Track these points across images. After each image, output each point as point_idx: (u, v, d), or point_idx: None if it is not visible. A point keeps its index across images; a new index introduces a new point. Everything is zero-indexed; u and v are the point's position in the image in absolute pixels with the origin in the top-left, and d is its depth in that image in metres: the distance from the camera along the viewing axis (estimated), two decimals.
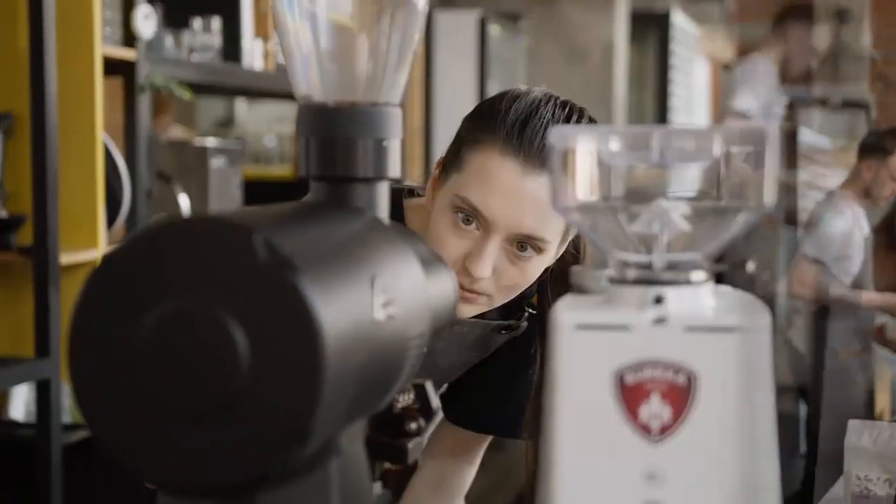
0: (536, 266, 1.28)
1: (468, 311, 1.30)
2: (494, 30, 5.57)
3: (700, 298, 0.71)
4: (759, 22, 9.99)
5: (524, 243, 1.25)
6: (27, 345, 2.37)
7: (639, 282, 0.72)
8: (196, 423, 0.61)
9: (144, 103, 2.69)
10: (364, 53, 0.84)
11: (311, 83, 0.83)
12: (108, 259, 0.64)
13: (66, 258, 2.42)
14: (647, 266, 0.73)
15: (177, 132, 4.05)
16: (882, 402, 4.59)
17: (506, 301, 1.31)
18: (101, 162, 2.50)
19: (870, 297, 4.49)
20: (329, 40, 0.82)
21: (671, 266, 0.72)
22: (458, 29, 5.32)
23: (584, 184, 0.73)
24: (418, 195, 1.42)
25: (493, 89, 5.71)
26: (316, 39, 0.82)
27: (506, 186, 1.22)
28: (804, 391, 4.37)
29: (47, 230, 2.33)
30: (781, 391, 4.18)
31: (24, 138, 2.42)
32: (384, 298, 0.71)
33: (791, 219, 4.99)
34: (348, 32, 0.83)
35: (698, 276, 0.72)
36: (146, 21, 2.65)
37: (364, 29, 0.83)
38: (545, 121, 1.24)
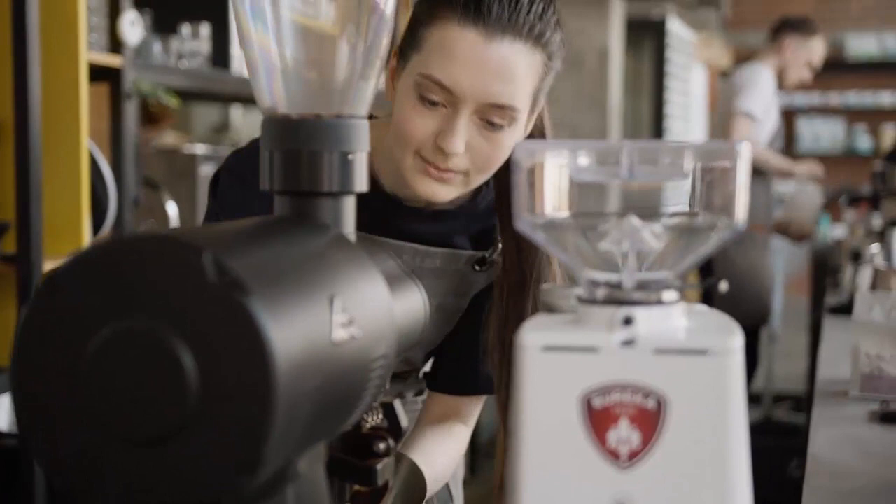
0: (509, 138, 1.25)
1: (445, 191, 1.27)
2: None
3: (671, 319, 0.69)
4: (755, 29, 10.00)
5: (493, 119, 1.23)
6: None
7: (608, 302, 0.69)
8: (143, 448, 0.59)
9: (131, 110, 2.66)
10: (329, 63, 0.81)
11: (274, 95, 0.81)
12: (54, 277, 0.61)
13: (50, 266, 2.40)
14: (617, 285, 0.70)
15: (170, 138, 4.03)
16: None
17: (482, 181, 1.29)
18: (86, 169, 2.48)
19: (781, 161, 4.60)
20: (293, 50, 0.80)
21: (642, 285, 0.70)
22: None
23: (551, 200, 0.71)
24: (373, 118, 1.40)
25: None
26: (280, 49, 0.80)
27: (468, 56, 1.20)
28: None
29: (31, 238, 2.31)
30: None
31: (9, 145, 2.40)
32: (344, 318, 0.68)
33: (781, 229, 5.02)
34: (313, 42, 0.81)
35: (670, 295, 0.70)
36: (132, 28, 2.62)
37: (328, 38, 0.81)
38: None
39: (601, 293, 0.70)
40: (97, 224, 2.56)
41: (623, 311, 0.68)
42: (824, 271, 4.90)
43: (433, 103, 1.23)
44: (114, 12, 2.63)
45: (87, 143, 2.47)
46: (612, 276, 0.71)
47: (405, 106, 1.25)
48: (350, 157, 0.80)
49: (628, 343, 0.67)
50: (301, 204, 0.79)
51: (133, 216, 2.70)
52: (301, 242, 0.72)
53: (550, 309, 0.77)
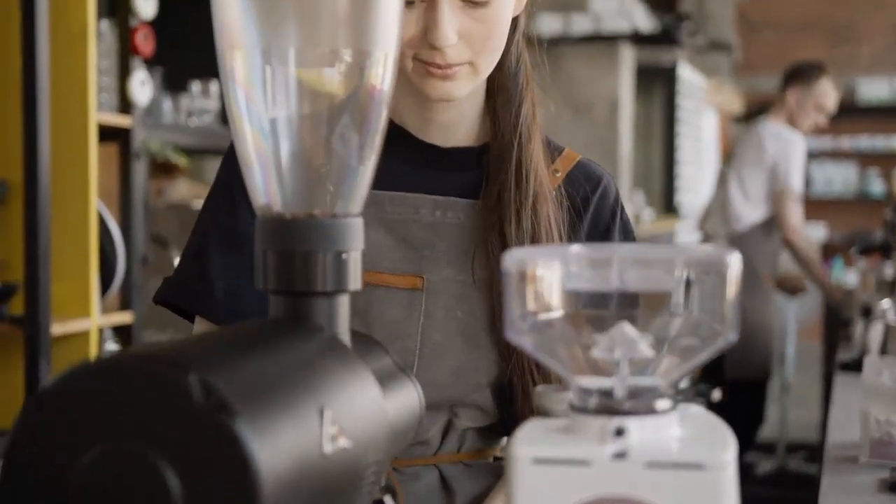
0: (500, 10, 1.19)
1: (456, 87, 1.21)
2: None
3: (664, 429, 0.68)
4: (766, 74, 10.03)
5: None
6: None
7: (600, 411, 0.69)
8: None
9: (140, 170, 2.67)
10: (323, 162, 0.81)
11: (269, 193, 0.81)
12: (40, 397, 0.61)
13: (58, 328, 2.40)
14: (609, 393, 0.70)
15: (182, 188, 4.05)
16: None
17: (492, 65, 1.22)
18: (95, 230, 2.49)
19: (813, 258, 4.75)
20: (288, 149, 0.80)
21: (634, 393, 0.70)
22: None
23: (541, 307, 0.71)
24: None
25: None
26: (274, 148, 0.80)
27: None
28: None
29: (38, 301, 2.31)
30: None
31: (18, 205, 2.41)
32: (335, 430, 0.68)
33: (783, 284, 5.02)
34: (307, 140, 0.81)
35: (663, 404, 0.69)
36: (142, 88, 2.64)
37: (323, 137, 0.81)
38: None
39: (593, 402, 0.70)
40: (105, 284, 2.56)
41: (615, 422, 0.67)
42: (837, 320, 4.87)
43: (411, 2, 1.16)
44: (124, 72, 2.65)
45: (95, 204, 2.49)
46: (603, 383, 0.70)
47: None
48: (344, 256, 0.80)
49: (620, 455, 0.66)
50: (295, 303, 0.79)
51: (141, 275, 2.71)
52: (291, 350, 0.72)
53: (544, 412, 0.76)
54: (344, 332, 0.80)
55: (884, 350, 2.85)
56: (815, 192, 9.96)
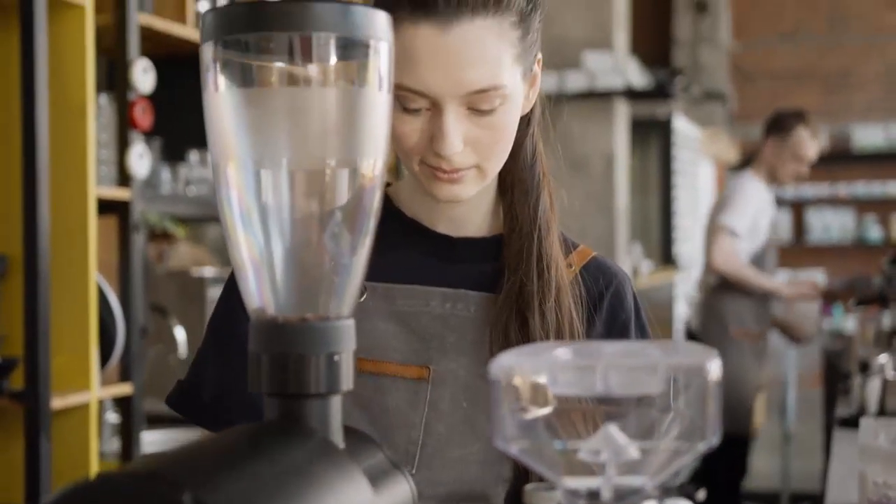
0: (507, 116, 1.18)
1: (463, 190, 1.20)
2: None
3: None
4: (761, 122, 10.10)
5: (481, 106, 1.15)
6: (17, 492, 2.34)
7: None
8: None
9: (139, 241, 2.70)
10: (316, 265, 0.83)
11: (262, 297, 0.83)
12: None
13: (58, 402, 2.41)
14: (596, 494, 0.71)
15: (183, 252, 4.07)
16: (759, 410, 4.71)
17: (498, 167, 1.22)
18: (94, 303, 2.51)
19: (765, 281, 4.58)
20: (281, 255, 0.82)
21: (620, 494, 0.71)
22: None
23: (527, 411, 0.72)
24: None
25: None
26: (268, 254, 0.82)
27: (429, 52, 1.12)
28: None
29: (38, 376, 2.33)
30: None
31: (18, 280, 2.43)
32: None
33: (785, 330, 5.02)
34: (299, 246, 0.83)
35: None
36: (141, 160, 2.67)
37: (313, 243, 0.83)
38: None
39: (581, 503, 0.71)
40: (105, 356, 2.58)
41: None
42: (836, 372, 4.87)
43: (416, 110, 1.16)
44: (122, 145, 2.68)
45: (95, 278, 2.51)
46: (590, 483, 0.72)
47: (394, 121, 1.16)
48: (336, 358, 0.81)
49: None
50: (288, 406, 0.81)
51: (141, 345, 2.73)
52: (284, 456, 0.73)
53: None
54: (336, 432, 0.82)
55: (882, 406, 2.85)
56: (812, 239, 10.00)
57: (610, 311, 1.31)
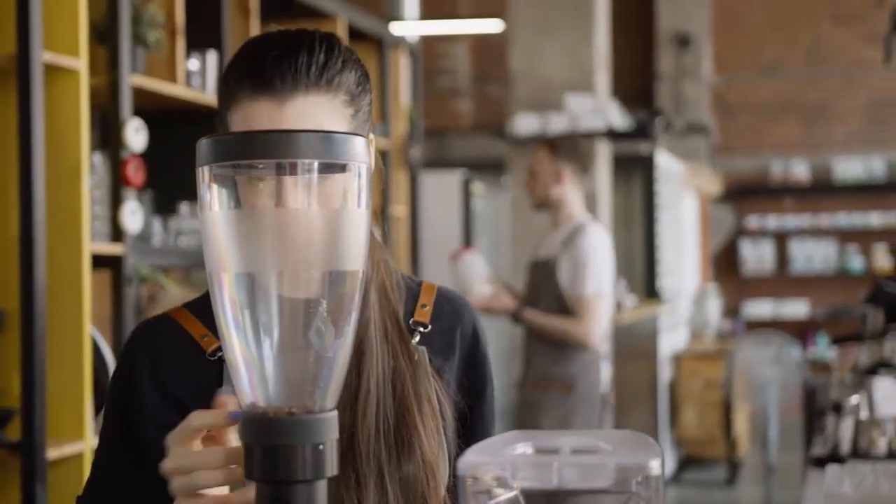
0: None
1: None
2: (478, 188, 5.74)
3: None
4: (744, 155, 10.24)
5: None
6: None
7: None
8: None
9: (131, 294, 2.78)
10: (301, 361, 0.92)
11: (254, 392, 0.92)
12: None
13: (53, 452, 2.49)
14: None
15: (173, 293, 4.13)
16: None
17: None
18: (88, 356, 2.59)
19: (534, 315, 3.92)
20: (270, 357, 0.91)
21: None
22: (443, 188, 5.49)
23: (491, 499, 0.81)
24: None
25: (479, 244, 5.84)
26: (259, 358, 0.91)
27: (267, 124, 1.21)
28: None
29: (34, 427, 2.40)
30: None
31: (14, 333, 2.51)
32: None
33: None
34: (286, 349, 0.92)
35: None
36: (133, 217, 2.76)
37: (299, 345, 0.92)
38: (279, 44, 1.24)
39: None
40: (99, 405, 2.66)
41: None
42: (815, 403, 4.96)
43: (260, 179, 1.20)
44: (115, 202, 2.77)
45: (89, 330, 2.59)
46: None
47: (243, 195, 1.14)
48: (321, 447, 0.90)
49: None
50: (278, 491, 0.90)
51: None
52: None
53: None
54: None
55: (854, 447, 2.94)
56: (795, 270, 10.12)
57: (468, 340, 1.39)
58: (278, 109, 1.22)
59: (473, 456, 0.81)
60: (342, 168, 0.90)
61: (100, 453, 1.32)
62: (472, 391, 1.37)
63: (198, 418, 1.02)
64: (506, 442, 0.85)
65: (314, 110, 1.23)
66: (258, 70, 1.22)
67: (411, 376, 1.29)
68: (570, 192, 4.00)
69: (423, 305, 1.37)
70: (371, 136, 1.32)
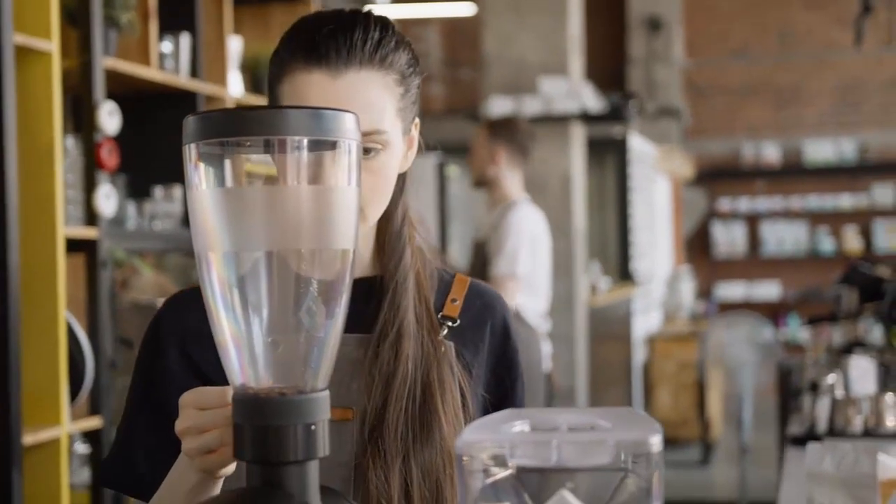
0: (387, 162, 1.25)
1: None
2: (452, 171, 5.72)
3: None
4: (716, 137, 10.27)
5: (364, 145, 1.20)
6: None
7: None
8: None
9: (106, 278, 2.75)
10: (292, 342, 0.91)
11: (244, 373, 0.91)
12: None
13: (29, 438, 2.46)
14: None
15: (148, 278, 4.09)
16: None
17: (379, 212, 1.27)
18: (63, 340, 2.56)
19: None
20: (259, 336, 0.90)
21: None
22: (417, 171, 5.44)
23: (490, 478, 0.80)
24: None
25: (454, 228, 5.84)
26: (248, 336, 0.90)
27: (319, 95, 1.22)
28: None
29: (10, 412, 2.38)
30: None
31: None
32: None
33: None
34: (276, 328, 0.91)
35: None
36: (107, 200, 2.73)
37: (289, 324, 0.91)
38: (335, 20, 1.25)
39: None
40: (74, 390, 2.63)
41: None
42: (789, 384, 4.98)
43: None
44: (89, 186, 2.74)
45: (64, 316, 2.56)
46: None
47: None
48: (313, 427, 0.89)
49: None
50: (269, 472, 0.89)
51: (110, 379, 2.78)
52: None
53: None
54: (314, 495, 0.89)
55: (831, 425, 2.95)
56: (767, 252, 10.18)
57: (498, 336, 1.38)
58: (331, 82, 1.22)
59: (471, 434, 0.80)
60: (332, 145, 0.89)
61: (124, 420, 1.31)
62: (502, 387, 1.37)
63: (212, 394, 1.01)
64: (502, 420, 0.84)
65: (366, 85, 1.23)
66: (313, 43, 1.23)
67: (437, 365, 1.29)
68: (505, 173, 4.01)
69: (454, 300, 1.36)
70: (417, 119, 1.32)
